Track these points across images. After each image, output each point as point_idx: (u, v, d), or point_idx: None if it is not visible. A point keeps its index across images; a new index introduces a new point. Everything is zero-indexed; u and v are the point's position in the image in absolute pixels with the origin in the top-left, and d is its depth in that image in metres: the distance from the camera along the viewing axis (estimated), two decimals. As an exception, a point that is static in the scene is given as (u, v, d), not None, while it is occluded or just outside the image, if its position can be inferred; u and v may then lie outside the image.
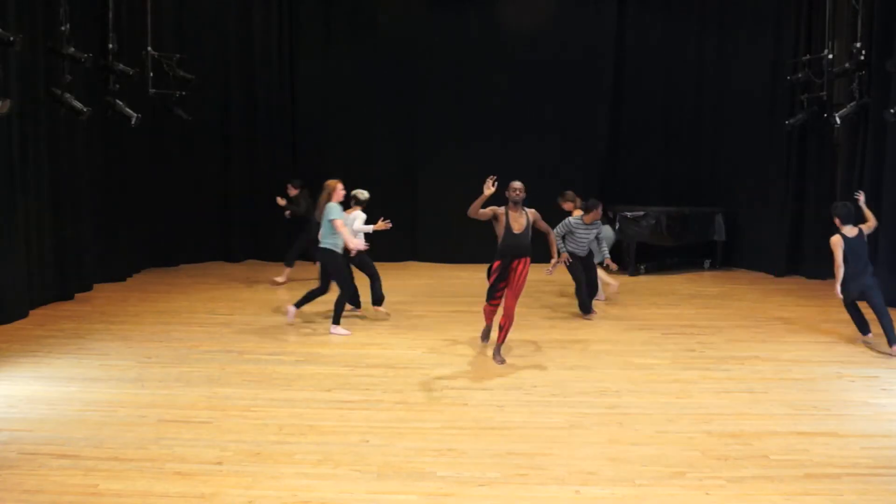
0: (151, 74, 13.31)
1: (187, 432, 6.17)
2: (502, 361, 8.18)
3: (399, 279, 13.25)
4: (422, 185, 14.98)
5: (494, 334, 8.52)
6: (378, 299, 10.25)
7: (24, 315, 9.93)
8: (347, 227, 9.61)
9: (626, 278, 13.47)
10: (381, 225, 10.05)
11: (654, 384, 7.52)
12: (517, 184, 8.10)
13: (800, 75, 13.01)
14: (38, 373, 7.69)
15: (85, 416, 6.52)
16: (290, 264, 12.67)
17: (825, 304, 11.28)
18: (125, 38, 12.52)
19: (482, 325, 9.01)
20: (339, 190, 9.45)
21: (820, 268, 13.17)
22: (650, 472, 5.51)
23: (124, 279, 12.66)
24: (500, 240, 8.17)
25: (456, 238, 14.38)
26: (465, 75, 14.81)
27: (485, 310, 8.65)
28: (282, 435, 6.15)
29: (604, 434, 6.23)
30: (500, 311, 8.30)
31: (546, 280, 13.35)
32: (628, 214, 13.79)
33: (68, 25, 10.50)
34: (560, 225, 10.31)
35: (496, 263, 8.16)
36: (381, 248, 14.48)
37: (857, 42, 11.54)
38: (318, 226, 9.80)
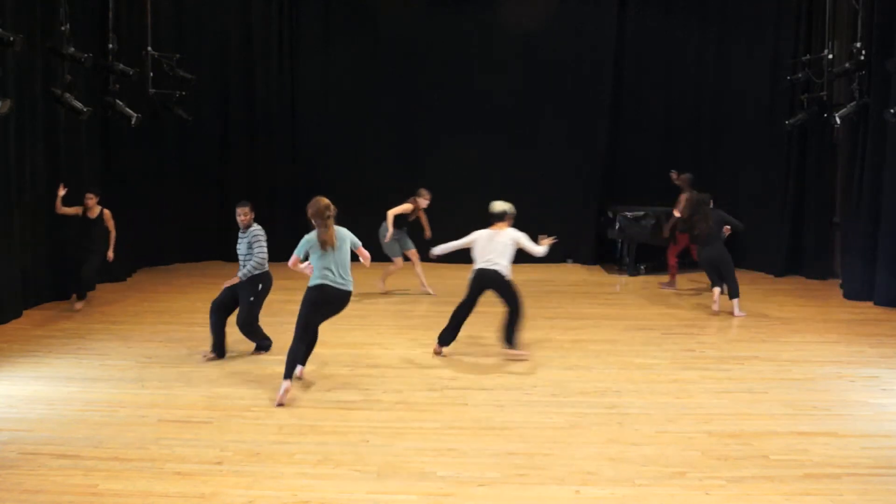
0: (151, 74, 13.31)
1: (187, 432, 6.17)
2: None
3: (399, 279, 13.25)
4: (422, 185, 14.95)
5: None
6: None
7: (22, 315, 9.93)
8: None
9: (626, 278, 13.48)
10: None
11: (654, 384, 7.52)
12: None
13: (800, 75, 13.01)
14: (38, 373, 7.68)
15: (85, 416, 6.52)
16: None
17: (825, 304, 11.29)
18: (125, 38, 12.51)
19: (482, 324, 9.00)
20: None
21: (820, 268, 13.20)
22: (650, 472, 5.51)
23: (124, 279, 12.66)
24: None
25: (456, 238, 14.35)
26: (466, 75, 14.80)
27: None
28: (282, 435, 6.14)
29: (604, 434, 6.23)
30: None
31: (547, 280, 13.38)
32: (628, 214, 13.79)
33: (68, 25, 10.49)
34: None
35: None
36: (380, 248, 14.57)
37: (857, 42, 11.54)
38: None
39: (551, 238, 8.55)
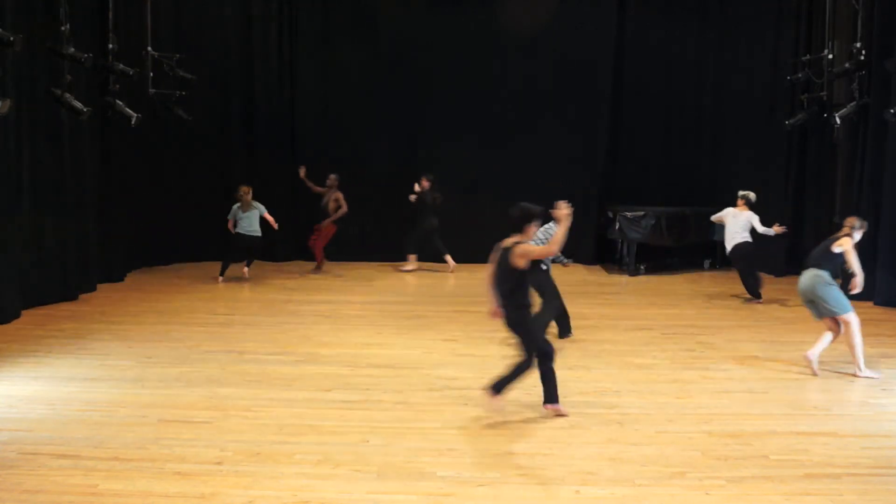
0: (151, 74, 13.32)
1: (187, 432, 6.16)
2: None
3: (399, 279, 13.26)
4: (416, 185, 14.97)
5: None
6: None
7: (22, 315, 9.93)
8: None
9: (626, 278, 13.47)
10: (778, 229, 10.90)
11: (654, 384, 7.52)
12: None
13: (800, 75, 13.01)
14: (38, 373, 7.68)
15: (85, 416, 6.52)
16: (413, 251, 13.82)
17: (825, 304, 11.26)
18: (125, 38, 12.51)
19: (482, 324, 8.97)
20: None
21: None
22: (650, 472, 5.51)
23: (123, 279, 12.66)
24: None
25: (457, 237, 14.39)
26: (465, 75, 14.81)
27: None
28: (282, 435, 6.14)
29: (604, 434, 6.23)
30: None
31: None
32: (628, 214, 13.79)
33: (68, 25, 10.48)
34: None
35: None
36: (380, 248, 14.59)
37: (857, 42, 11.54)
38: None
39: (782, 227, 11.06)
